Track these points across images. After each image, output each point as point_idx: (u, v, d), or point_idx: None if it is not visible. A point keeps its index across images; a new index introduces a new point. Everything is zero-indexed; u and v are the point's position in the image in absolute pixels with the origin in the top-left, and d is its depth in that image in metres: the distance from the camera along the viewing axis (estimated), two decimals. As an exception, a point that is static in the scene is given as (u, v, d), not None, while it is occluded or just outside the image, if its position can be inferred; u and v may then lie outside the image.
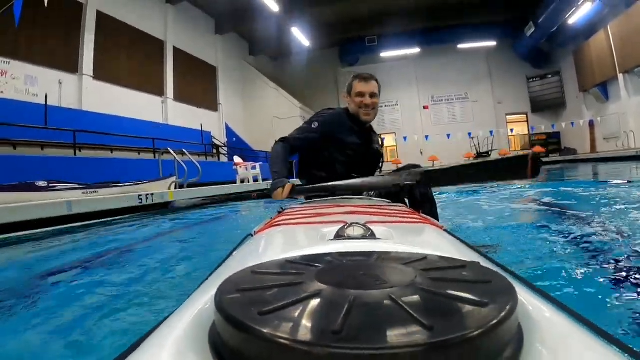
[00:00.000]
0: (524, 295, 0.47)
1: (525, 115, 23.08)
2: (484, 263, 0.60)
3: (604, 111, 17.47)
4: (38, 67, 9.94)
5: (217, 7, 17.56)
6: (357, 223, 0.81)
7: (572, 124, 18.70)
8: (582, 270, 1.82)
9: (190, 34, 16.72)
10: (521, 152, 1.13)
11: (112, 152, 10.70)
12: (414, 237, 0.92)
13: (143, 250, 3.63)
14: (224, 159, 16.65)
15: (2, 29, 8.30)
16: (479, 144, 21.33)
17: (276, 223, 1.09)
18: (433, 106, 23.68)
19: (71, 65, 11.07)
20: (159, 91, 14.83)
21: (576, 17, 16.41)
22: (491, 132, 21.67)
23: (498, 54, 22.22)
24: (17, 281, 2.52)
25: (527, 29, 18.90)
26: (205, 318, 0.45)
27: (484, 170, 1.44)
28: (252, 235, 1.08)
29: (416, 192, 2.04)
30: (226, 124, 18.89)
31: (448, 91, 23.48)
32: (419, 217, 1.16)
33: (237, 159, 12.97)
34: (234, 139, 18.91)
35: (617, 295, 1.46)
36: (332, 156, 2.13)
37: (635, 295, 1.46)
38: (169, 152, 8.94)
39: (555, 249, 2.30)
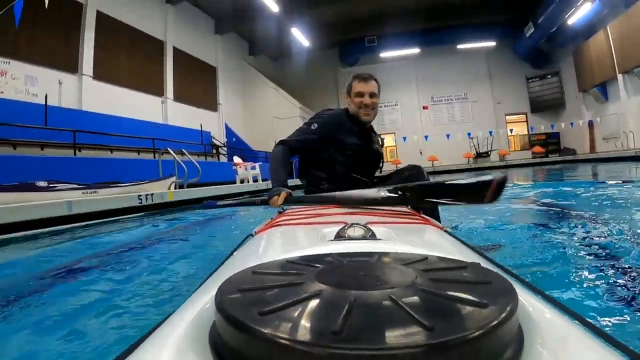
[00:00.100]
0: (524, 296, 0.48)
1: (524, 116, 23.10)
2: (485, 264, 0.60)
3: (603, 111, 17.49)
4: (38, 67, 9.94)
5: (217, 7, 17.57)
6: (357, 223, 0.81)
7: (572, 124, 18.71)
8: (581, 271, 1.82)
9: (190, 34, 16.72)
10: (488, 177, 1.11)
11: (111, 152, 10.70)
12: (414, 238, 0.92)
13: (143, 250, 3.63)
14: (223, 159, 16.65)
15: (2, 29, 8.30)
16: (478, 144, 21.35)
17: (277, 223, 1.09)
18: (432, 106, 23.70)
19: (71, 66, 11.07)
20: (159, 91, 14.83)
21: (575, 18, 16.42)
22: (490, 133, 21.69)
23: (497, 54, 22.24)
24: (17, 281, 2.52)
25: (526, 29, 18.90)
26: (205, 318, 0.45)
27: (449, 190, 1.40)
28: (252, 236, 1.08)
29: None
30: (226, 124, 18.88)
31: (448, 91, 23.51)
32: (420, 217, 1.16)
33: (236, 159, 12.97)
34: (234, 139, 18.90)
35: (617, 296, 1.46)
36: (332, 157, 2.13)
37: (635, 296, 1.46)
38: (168, 152, 8.93)
39: (554, 249, 2.30)
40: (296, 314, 0.36)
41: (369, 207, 1.31)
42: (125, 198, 6.55)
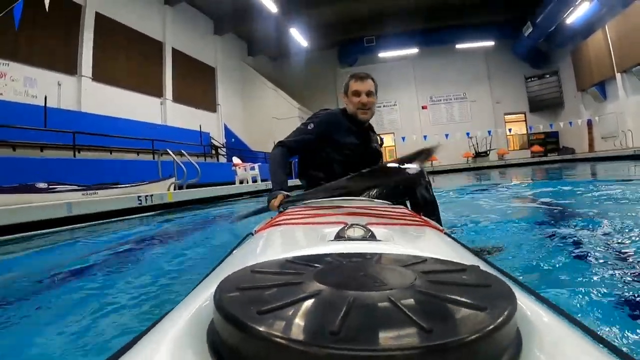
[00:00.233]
0: (523, 300, 0.47)
1: (523, 115, 23.11)
2: (484, 267, 0.59)
3: (601, 110, 17.50)
4: (37, 69, 9.92)
5: (215, 7, 17.54)
6: (357, 224, 0.81)
7: (570, 123, 18.70)
8: (580, 272, 1.82)
9: (189, 35, 16.69)
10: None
11: (111, 154, 10.70)
12: (414, 240, 0.92)
13: (143, 251, 3.63)
14: (222, 159, 16.63)
15: (2, 30, 8.29)
16: (477, 144, 21.36)
17: (277, 222, 1.08)
18: (431, 106, 23.69)
19: (70, 67, 11.06)
20: (158, 92, 14.81)
21: (574, 17, 16.43)
22: (489, 132, 21.66)
23: (496, 54, 22.24)
24: (17, 282, 2.53)
25: (525, 29, 18.91)
26: (204, 316, 0.45)
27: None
28: (252, 234, 1.07)
29: (417, 194, 2.04)
30: (225, 124, 18.86)
31: (446, 91, 23.50)
32: (420, 219, 1.16)
33: (235, 160, 12.96)
34: (233, 139, 18.88)
35: (617, 299, 1.45)
36: (330, 156, 2.13)
37: (635, 298, 1.46)
38: (168, 153, 8.94)
39: (554, 250, 2.30)
40: (295, 313, 0.35)
41: (369, 207, 1.31)
42: (125, 199, 6.56)
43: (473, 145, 21.36)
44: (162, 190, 7.83)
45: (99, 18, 12.02)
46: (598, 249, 2.20)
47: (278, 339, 0.32)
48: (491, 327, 0.33)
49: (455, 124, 22.88)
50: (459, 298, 0.38)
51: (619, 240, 2.34)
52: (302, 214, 1.18)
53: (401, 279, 0.45)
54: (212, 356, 0.37)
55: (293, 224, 1.05)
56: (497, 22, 20.40)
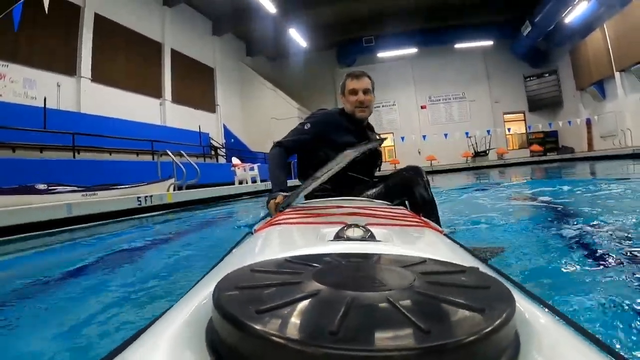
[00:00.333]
0: (521, 302, 0.47)
1: (522, 114, 23.10)
2: (483, 268, 0.60)
3: (600, 109, 17.50)
4: (36, 70, 9.91)
5: (214, 8, 17.52)
6: (356, 224, 0.81)
7: (569, 122, 18.72)
8: (580, 273, 1.83)
9: (188, 36, 16.68)
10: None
11: (110, 155, 10.69)
12: (413, 241, 0.92)
13: (142, 251, 3.63)
14: (222, 160, 16.62)
15: (1, 32, 8.27)
16: (476, 143, 21.35)
17: (276, 222, 1.08)
18: (430, 106, 23.68)
19: (69, 68, 11.05)
20: (157, 93, 14.80)
21: (572, 16, 16.44)
22: (488, 132, 21.67)
23: (495, 53, 22.23)
24: (17, 283, 2.53)
25: (523, 28, 18.90)
26: (202, 314, 0.45)
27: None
28: (252, 233, 1.08)
29: (416, 193, 2.05)
30: (224, 125, 18.85)
31: (445, 91, 23.48)
32: (419, 220, 1.16)
33: (235, 160, 12.95)
34: (232, 140, 18.87)
35: (617, 299, 1.45)
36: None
37: (635, 299, 1.45)
38: (167, 154, 8.94)
39: (554, 250, 2.30)
40: (293, 313, 0.35)
41: (368, 208, 1.31)
42: (125, 200, 6.56)
43: (472, 144, 21.36)
44: (161, 191, 7.83)
45: (98, 19, 12.01)
46: (598, 249, 2.20)
47: (277, 338, 0.32)
48: (489, 328, 0.33)
49: (454, 123, 22.87)
50: (457, 299, 0.38)
51: (620, 240, 2.33)
52: (301, 214, 1.18)
53: (400, 279, 0.45)
54: (211, 355, 0.37)
55: (292, 223, 1.05)
56: (496, 22, 20.38)
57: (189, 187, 8.93)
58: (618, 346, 1.11)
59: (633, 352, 1.09)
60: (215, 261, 0.81)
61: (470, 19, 20.19)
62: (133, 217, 6.47)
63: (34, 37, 9.76)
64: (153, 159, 10.61)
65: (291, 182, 2.24)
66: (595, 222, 2.91)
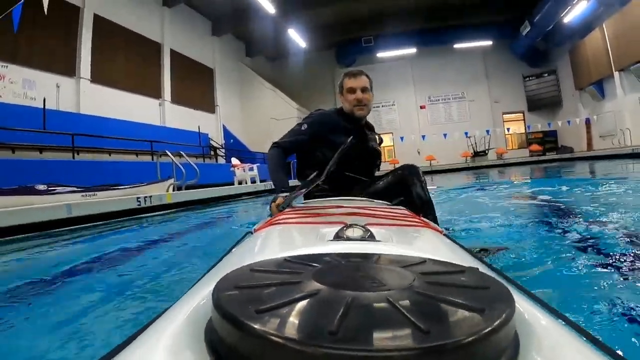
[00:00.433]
0: (521, 302, 0.47)
1: (521, 114, 23.11)
2: (483, 269, 0.60)
3: (599, 109, 17.51)
4: (36, 71, 9.92)
5: (213, 8, 17.51)
6: (356, 224, 0.81)
7: (569, 122, 18.73)
8: (580, 272, 1.83)
9: (187, 36, 16.68)
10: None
11: (110, 155, 10.70)
12: (413, 241, 0.92)
13: (142, 251, 3.63)
14: (221, 160, 16.62)
15: (0, 32, 8.28)
16: (475, 143, 21.35)
17: (276, 222, 1.08)
18: (430, 106, 23.69)
19: (69, 69, 11.05)
20: (156, 94, 14.80)
21: (571, 16, 16.47)
22: (488, 131, 21.68)
23: (495, 53, 22.24)
24: (17, 283, 2.53)
25: (522, 28, 18.91)
26: (202, 314, 0.44)
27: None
28: (251, 233, 1.08)
29: (413, 193, 2.04)
30: (223, 125, 18.84)
31: (445, 91, 23.49)
32: (419, 220, 1.15)
33: (234, 161, 12.96)
34: (232, 140, 18.86)
35: (617, 299, 1.45)
36: (325, 156, 2.11)
37: (635, 299, 1.45)
38: (166, 155, 8.94)
39: (554, 250, 2.30)
40: (293, 312, 0.35)
41: (368, 208, 1.30)
42: (124, 200, 6.56)
43: (471, 144, 21.36)
44: (161, 192, 7.84)
45: (98, 20, 12.01)
46: (598, 248, 2.20)
47: (276, 338, 0.32)
48: (489, 329, 0.33)
49: (453, 123, 22.87)
50: (457, 300, 0.38)
51: (620, 240, 2.34)
52: (301, 214, 1.18)
53: (399, 279, 0.45)
54: (210, 354, 0.37)
55: (292, 223, 1.05)
56: (495, 22, 20.39)
57: (188, 188, 8.93)
58: (618, 347, 1.11)
59: (634, 353, 1.09)
60: (215, 261, 0.81)
61: (470, 19, 20.18)
62: (133, 217, 6.47)
63: (34, 37, 9.76)
64: (152, 159, 10.61)
65: (292, 182, 2.24)
66: (595, 222, 2.91)
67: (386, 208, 1.43)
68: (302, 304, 0.37)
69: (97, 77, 11.81)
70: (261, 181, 12.08)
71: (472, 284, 0.45)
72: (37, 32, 9.83)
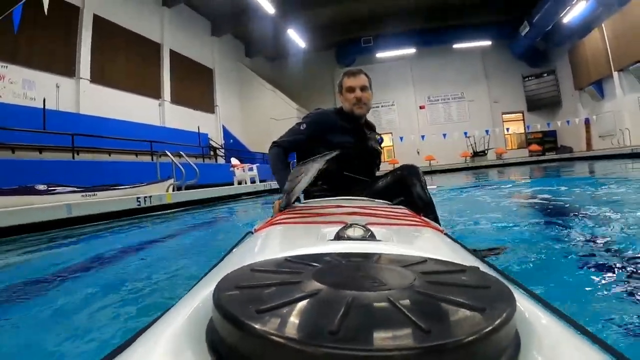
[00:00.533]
0: (522, 301, 0.47)
1: (521, 114, 23.12)
2: (484, 268, 0.60)
3: (599, 109, 17.52)
4: (35, 71, 9.91)
5: (213, 9, 17.49)
6: (357, 224, 0.81)
7: (568, 122, 18.74)
8: (580, 271, 1.83)
9: (187, 36, 16.66)
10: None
11: (109, 155, 10.69)
12: (413, 240, 0.92)
13: (142, 251, 3.63)
14: (221, 160, 16.61)
15: (0, 32, 8.28)
16: (475, 143, 21.35)
17: (276, 221, 1.08)
18: (429, 106, 23.69)
19: (68, 69, 11.04)
20: (156, 94, 14.78)
21: (571, 16, 16.48)
22: (487, 131, 21.69)
23: (494, 53, 22.25)
24: (17, 284, 2.53)
25: (522, 28, 18.92)
26: (203, 314, 0.44)
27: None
28: (252, 233, 1.07)
29: (413, 193, 2.04)
30: (223, 125, 18.83)
31: (444, 91, 23.49)
32: (420, 220, 1.15)
33: (234, 161, 12.96)
34: (231, 140, 18.85)
35: (618, 299, 1.45)
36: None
37: (635, 299, 1.45)
38: (166, 155, 8.94)
39: (554, 249, 2.31)
40: (294, 312, 0.35)
41: (368, 207, 1.30)
42: (124, 200, 6.56)
43: (471, 144, 21.36)
44: (160, 192, 7.84)
45: (97, 20, 12.00)
46: (599, 248, 2.20)
47: (277, 338, 0.32)
48: (490, 328, 0.33)
49: (453, 123, 22.88)
50: (458, 299, 0.38)
51: (620, 240, 2.34)
52: (301, 214, 1.18)
53: (400, 279, 0.44)
54: (211, 354, 0.37)
55: (292, 223, 1.05)
56: (495, 22, 20.39)
57: (188, 188, 8.93)
58: (619, 346, 1.11)
59: (635, 352, 1.09)
60: (216, 261, 0.81)
61: (470, 19, 20.19)
62: (133, 217, 6.47)
63: (33, 38, 9.75)
64: (152, 159, 10.61)
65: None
66: (595, 221, 2.91)
67: (387, 208, 1.43)
68: (302, 303, 0.37)
69: (97, 77, 11.80)
70: (261, 181, 12.08)
71: (473, 284, 0.45)
72: (37, 32, 9.82)
